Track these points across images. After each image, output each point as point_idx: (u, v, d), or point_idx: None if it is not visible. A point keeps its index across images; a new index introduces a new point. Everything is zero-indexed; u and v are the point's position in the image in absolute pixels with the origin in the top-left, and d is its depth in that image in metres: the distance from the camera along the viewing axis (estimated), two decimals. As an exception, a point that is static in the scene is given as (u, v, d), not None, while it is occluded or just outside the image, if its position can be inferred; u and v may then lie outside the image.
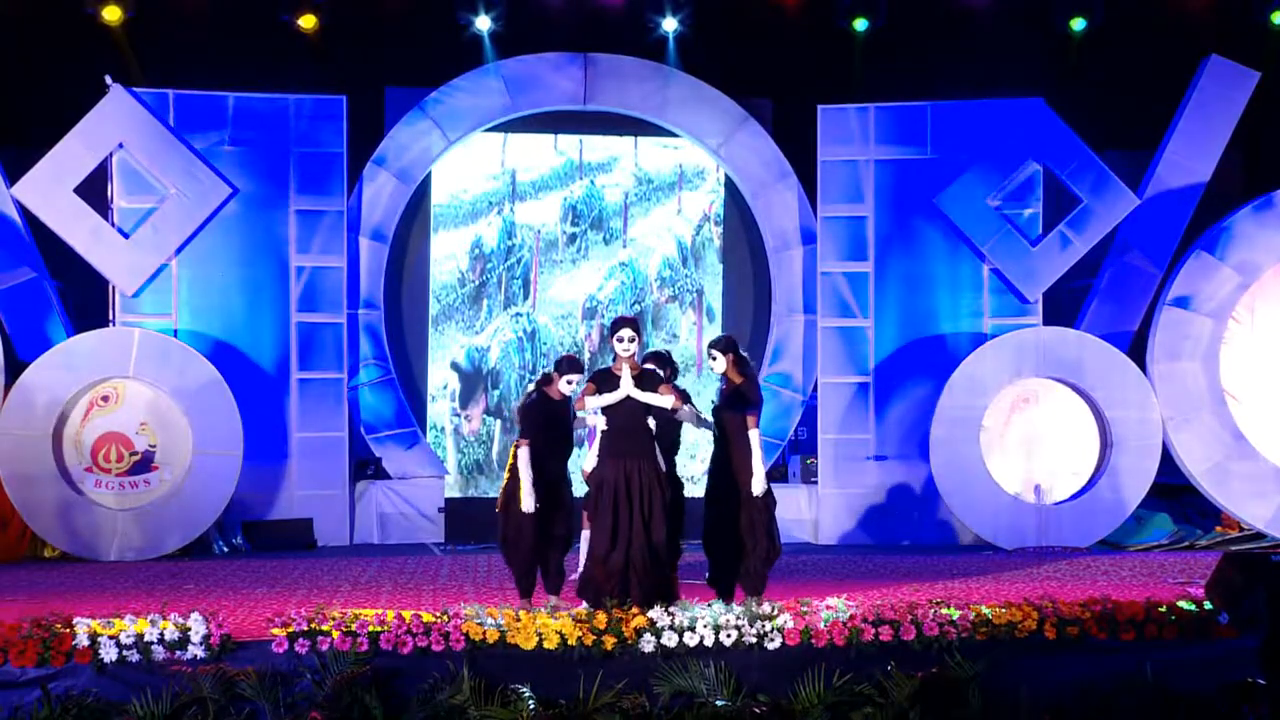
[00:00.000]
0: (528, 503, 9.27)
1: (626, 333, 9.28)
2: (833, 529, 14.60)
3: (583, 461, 9.51)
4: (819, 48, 15.57)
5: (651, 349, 10.28)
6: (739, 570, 9.51)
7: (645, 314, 15.56)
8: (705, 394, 15.33)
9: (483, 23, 15.09)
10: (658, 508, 9.21)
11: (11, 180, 13.71)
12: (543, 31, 15.17)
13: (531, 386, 9.64)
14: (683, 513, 9.68)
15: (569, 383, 9.47)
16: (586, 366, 10.52)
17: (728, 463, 9.51)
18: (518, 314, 15.54)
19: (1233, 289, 14.28)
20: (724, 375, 9.62)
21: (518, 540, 9.47)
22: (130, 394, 13.66)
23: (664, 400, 9.21)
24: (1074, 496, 14.27)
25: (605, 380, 9.30)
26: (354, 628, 8.19)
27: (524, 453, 9.35)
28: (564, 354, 9.95)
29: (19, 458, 13.27)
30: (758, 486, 9.46)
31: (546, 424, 9.44)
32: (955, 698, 8.16)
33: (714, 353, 9.62)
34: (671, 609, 8.52)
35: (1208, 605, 8.82)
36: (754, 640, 8.30)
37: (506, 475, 9.62)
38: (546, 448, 9.44)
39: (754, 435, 9.57)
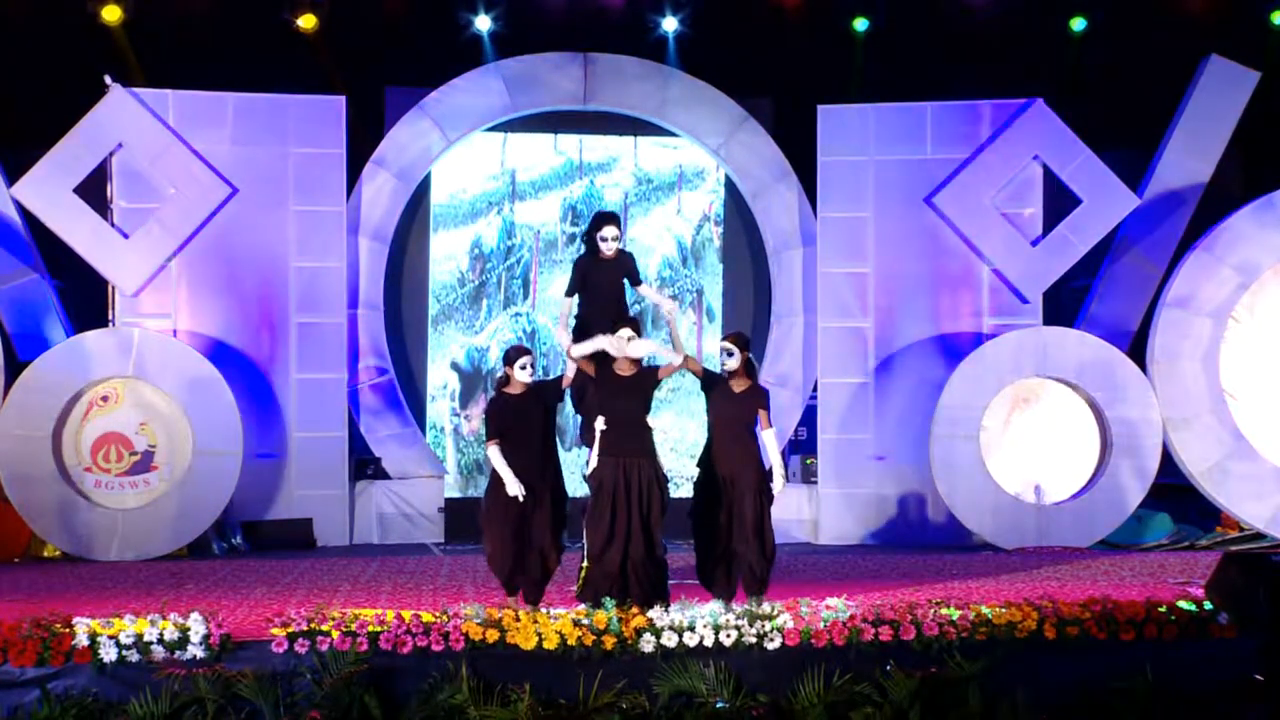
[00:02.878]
0: (514, 489, 9.21)
1: (625, 332, 9.30)
2: (833, 529, 14.59)
3: (584, 468, 9.47)
4: (819, 48, 15.57)
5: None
6: (734, 569, 9.46)
7: (645, 313, 15.54)
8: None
9: (482, 22, 15.11)
10: (656, 508, 9.22)
11: (11, 180, 13.72)
12: (542, 31, 15.18)
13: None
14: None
15: (523, 368, 9.35)
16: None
17: (730, 461, 9.47)
18: (517, 314, 15.55)
19: (1233, 289, 14.28)
20: (730, 372, 9.55)
21: (500, 553, 9.39)
22: (130, 394, 13.66)
23: (672, 357, 9.23)
24: (1074, 496, 14.26)
25: (606, 376, 9.31)
26: (353, 628, 8.19)
27: (493, 450, 9.30)
28: (511, 345, 9.85)
29: (19, 458, 13.27)
30: (780, 484, 9.44)
31: (511, 422, 9.32)
32: (955, 698, 8.16)
33: (732, 348, 9.51)
34: (671, 608, 8.53)
35: (1208, 605, 8.82)
36: (754, 640, 8.29)
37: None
38: (517, 446, 9.33)
39: (771, 434, 9.54)
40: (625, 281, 9.98)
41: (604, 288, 9.89)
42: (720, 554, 9.47)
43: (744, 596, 9.37)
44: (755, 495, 9.42)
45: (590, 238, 10.02)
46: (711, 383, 9.64)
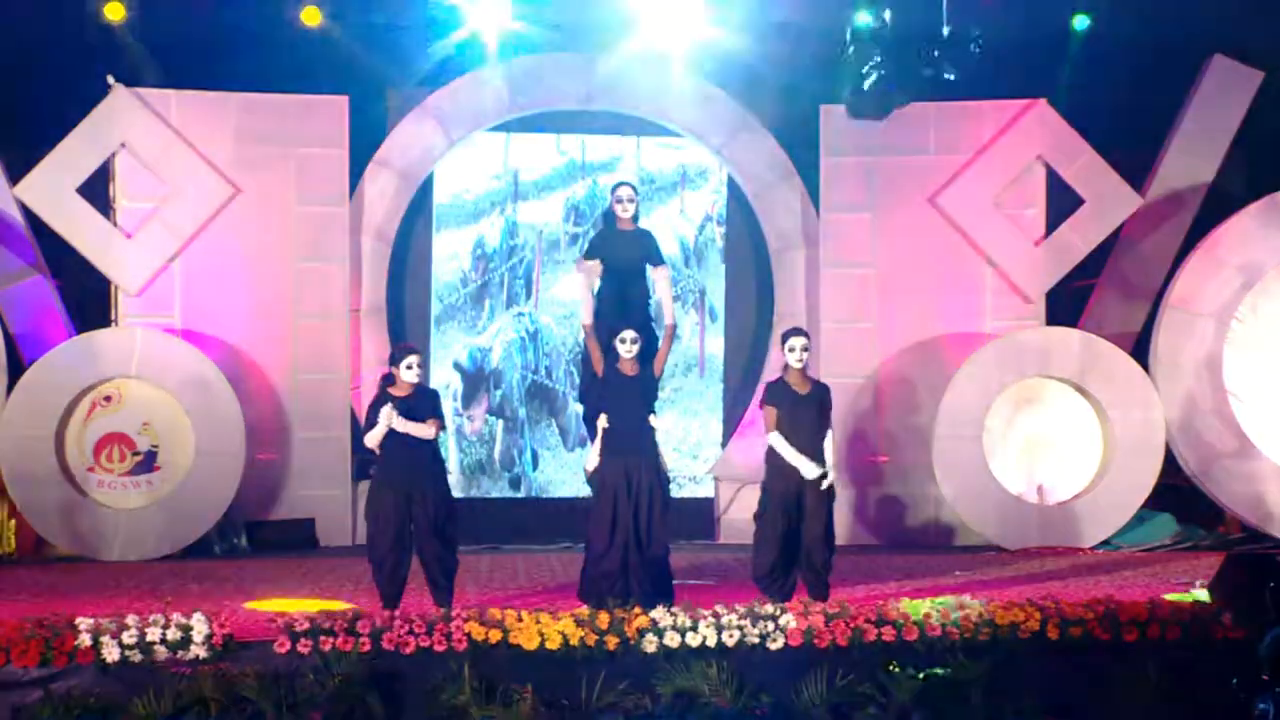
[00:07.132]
0: None
1: (629, 334, 9.31)
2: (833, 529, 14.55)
3: (585, 460, 9.49)
4: (821, 47, 15.51)
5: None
6: (797, 574, 9.43)
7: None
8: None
9: (485, 23, 15.06)
10: (657, 507, 9.23)
11: (13, 180, 13.72)
12: (545, 31, 15.13)
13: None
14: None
15: (409, 368, 9.23)
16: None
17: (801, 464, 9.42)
18: (520, 314, 15.54)
19: (1236, 289, 14.26)
20: (788, 370, 9.44)
21: (373, 546, 9.35)
22: (132, 394, 13.65)
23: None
24: (1077, 497, 14.25)
25: (609, 375, 9.33)
26: (356, 628, 8.19)
27: (370, 436, 9.26)
28: (397, 345, 9.73)
29: (21, 458, 13.26)
30: (825, 483, 9.40)
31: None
32: (958, 698, 8.16)
33: (808, 344, 9.48)
34: (674, 608, 8.54)
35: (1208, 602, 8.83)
36: (756, 640, 8.30)
37: None
38: (395, 446, 9.24)
39: (830, 434, 9.51)
40: (646, 264, 9.95)
41: (621, 267, 9.83)
42: (784, 559, 9.41)
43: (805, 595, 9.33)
44: (824, 501, 9.38)
45: (609, 209, 10.02)
46: (770, 393, 9.52)
